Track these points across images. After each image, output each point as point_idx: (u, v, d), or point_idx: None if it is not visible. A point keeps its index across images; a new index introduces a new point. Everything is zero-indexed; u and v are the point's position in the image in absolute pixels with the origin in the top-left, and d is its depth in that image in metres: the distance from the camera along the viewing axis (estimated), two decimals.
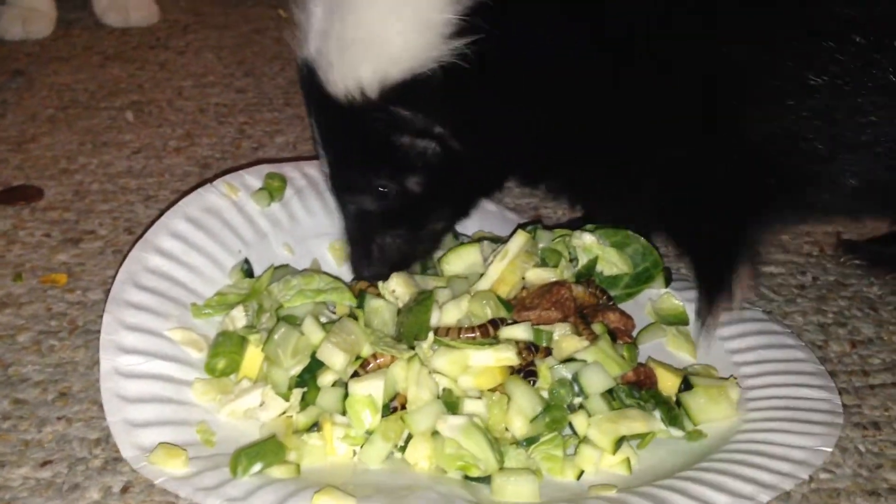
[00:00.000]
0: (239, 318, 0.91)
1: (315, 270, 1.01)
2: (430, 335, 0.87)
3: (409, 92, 0.84)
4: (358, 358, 0.86)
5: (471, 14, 0.82)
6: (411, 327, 0.89)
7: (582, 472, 0.82)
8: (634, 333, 0.98)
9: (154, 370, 0.85)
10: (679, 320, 1.01)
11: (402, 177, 0.91)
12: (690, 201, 0.93)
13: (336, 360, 0.82)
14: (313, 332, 0.85)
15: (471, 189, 0.99)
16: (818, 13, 0.82)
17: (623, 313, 0.97)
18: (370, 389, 0.81)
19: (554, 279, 0.96)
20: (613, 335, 0.93)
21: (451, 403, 0.83)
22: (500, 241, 1.07)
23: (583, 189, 1.00)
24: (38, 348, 0.97)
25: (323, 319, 0.91)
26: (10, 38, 1.86)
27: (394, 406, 0.83)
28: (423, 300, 0.92)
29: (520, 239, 0.96)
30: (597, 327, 0.92)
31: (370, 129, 0.87)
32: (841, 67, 0.81)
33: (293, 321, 0.88)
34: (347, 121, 0.88)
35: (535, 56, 0.85)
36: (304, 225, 1.09)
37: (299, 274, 0.97)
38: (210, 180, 1.31)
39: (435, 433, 0.80)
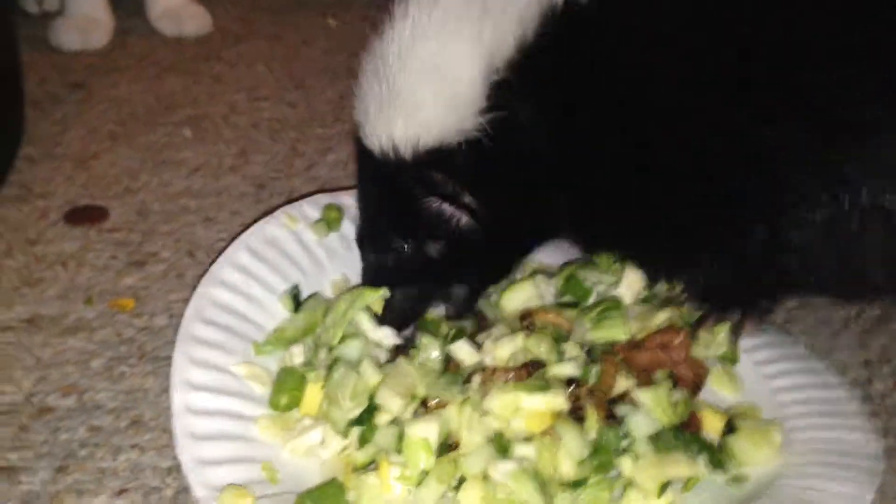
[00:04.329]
0: (297, 355, 0.95)
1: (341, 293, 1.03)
2: (477, 377, 0.91)
3: (439, 157, 0.88)
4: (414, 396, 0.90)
5: (498, 93, 0.85)
6: None
7: None
8: None
9: (222, 407, 0.90)
10: (727, 358, 1.04)
11: (423, 239, 0.95)
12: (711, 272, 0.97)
13: (393, 404, 0.86)
14: (371, 376, 0.89)
15: (492, 259, 1.02)
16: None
17: (697, 363, 0.99)
18: (426, 432, 0.85)
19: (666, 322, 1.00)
20: (674, 381, 0.96)
21: (502, 446, 0.87)
22: (553, 273, 1.11)
23: (631, 252, 1.03)
24: (110, 374, 1.03)
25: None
26: (68, 49, 1.90)
27: (450, 444, 0.87)
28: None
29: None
30: (660, 373, 0.95)
31: (400, 186, 0.91)
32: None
33: (350, 361, 0.92)
34: (380, 176, 0.92)
35: (560, 139, 0.88)
36: (358, 253, 1.13)
37: (335, 303, 1.01)
38: (264, 200, 1.37)
39: (487, 476, 0.84)
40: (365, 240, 1.01)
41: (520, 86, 0.87)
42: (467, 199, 0.91)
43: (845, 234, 0.87)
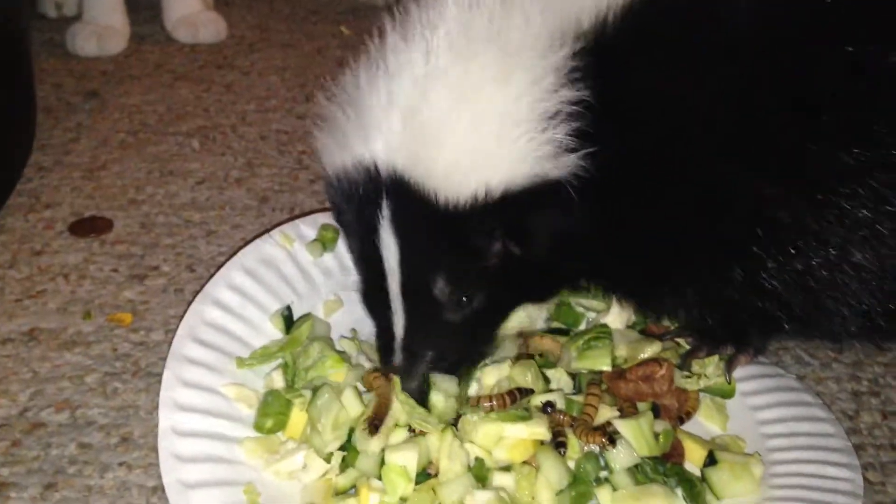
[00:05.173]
0: (278, 381, 0.97)
1: (320, 338, 1.02)
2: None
3: (524, 202, 0.86)
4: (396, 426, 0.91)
5: (575, 136, 0.85)
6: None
7: None
8: None
9: (208, 428, 0.91)
10: (723, 394, 1.04)
11: (487, 285, 0.92)
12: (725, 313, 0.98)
13: (372, 444, 0.88)
14: (353, 407, 0.91)
15: (531, 297, 1.01)
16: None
17: (685, 393, 1.00)
18: (404, 460, 0.86)
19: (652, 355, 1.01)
20: (657, 411, 0.96)
21: (481, 475, 0.88)
22: None
23: (629, 289, 1.02)
24: (104, 390, 1.05)
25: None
26: (84, 55, 1.93)
27: (429, 472, 0.89)
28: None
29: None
30: (643, 405, 0.96)
31: (472, 237, 0.88)
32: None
33: (335, 387, 0.94)
34: (446, 229, 0.88)
35: (628, 180, 0.88)
36: (353, 274, 1.14)
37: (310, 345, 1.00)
38: (267, 214, 1.39)
39: None
40: (407, 294, 0.91)
41: (603, 142, 0.86)
42: (540, 239, 0.90)
43: (819, 285, 0.88)
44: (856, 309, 0.89)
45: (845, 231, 0.85)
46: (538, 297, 1.03)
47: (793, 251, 0.87)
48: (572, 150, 0.85)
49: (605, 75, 0.85)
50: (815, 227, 0.86)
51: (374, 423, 0.88)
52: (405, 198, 0.87)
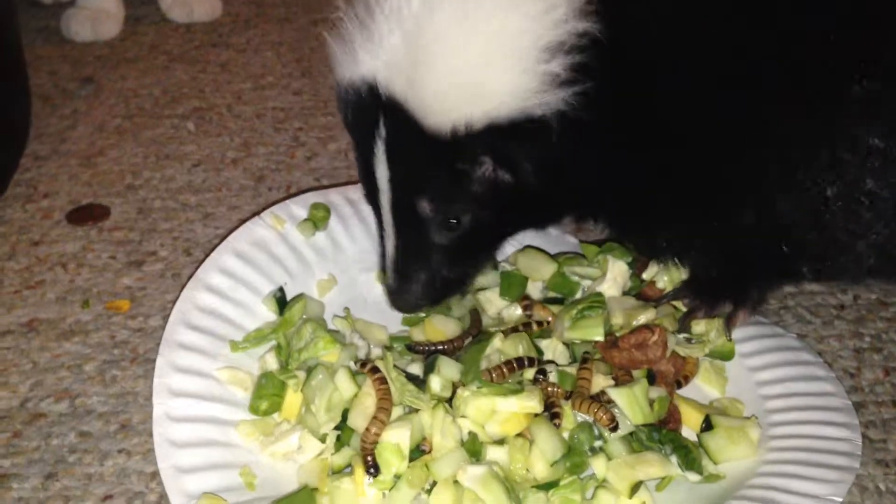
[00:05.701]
0: (272, 363, 0.97)
1: (313, 319, 1.02)
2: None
3: (507, 134, 0.86)
4: None
5: (574, 69, 0.84)
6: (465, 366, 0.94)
7: None
8: None
9: (202, 412, 0.92)
10: (722, 356, 1.03)
11: (474, 209, 0.93)
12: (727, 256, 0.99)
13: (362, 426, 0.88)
14: (346, 389, 0.91)
15: (528, 224, 1.02)
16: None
17: (679, 357, 0.99)
18: (397, 438, 0.86)
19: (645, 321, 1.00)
20: (653, 378, 0.96)
21: (475, 449, 0.88)
22: None
23: (634, 229, 1.03)
24: (102, 378, 1.06)
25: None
26: (79, 40, 1.93)
27: (423, 448, 0.89)
28: (480, 341, 0.97)
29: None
30: (638, 372, 0.96)
31: (457, 163, 0.89)
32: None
33: (329, 368, 0.94)
34: (433, 153, 0.89)
35: (630, 117, 0.88)
36: (347, 253, 1.14)
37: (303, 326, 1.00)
38: (263, 195, 1.39)
39: (458, 480, 0.85)
40: (400, 216, 0.94)
41: (600, 67, 0.86)
42: (524, 167, 0.90)
43: (833, 219, 0.88)
44: (871, 241, 0.89)
45: (859, 160, 0.85)
46: (533, 225, 1.03)
47: (807, 186, 0.87)
48: (568, 84, 0.85)
49: (620, 11, 0.85)
50: (829, 159, 0.86)
51: (370, 471, 0.87)
52: (398, 118, 0.88)
